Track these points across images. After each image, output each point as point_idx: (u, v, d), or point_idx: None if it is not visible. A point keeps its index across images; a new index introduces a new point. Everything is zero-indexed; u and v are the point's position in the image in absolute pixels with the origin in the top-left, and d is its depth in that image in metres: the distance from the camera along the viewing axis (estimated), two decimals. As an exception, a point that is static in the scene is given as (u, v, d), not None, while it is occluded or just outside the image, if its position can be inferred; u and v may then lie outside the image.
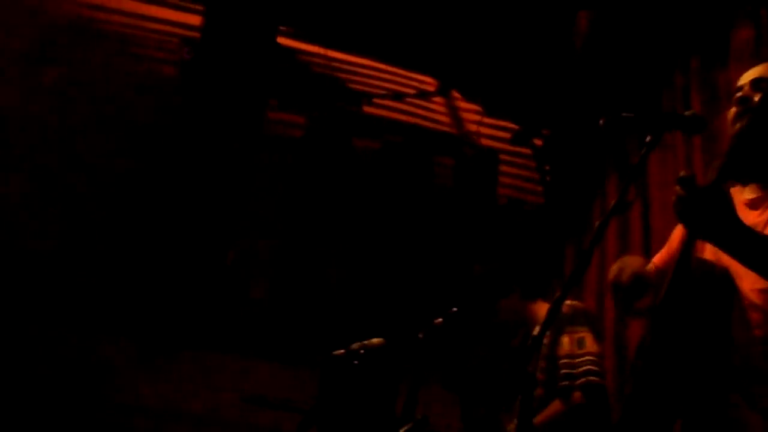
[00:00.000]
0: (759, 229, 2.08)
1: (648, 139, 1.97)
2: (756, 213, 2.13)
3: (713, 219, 1.82)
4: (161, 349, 4.42)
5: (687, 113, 2.15)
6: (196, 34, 5.16)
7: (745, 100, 2.17)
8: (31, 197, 4.64)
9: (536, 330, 3.38)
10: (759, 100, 2.08)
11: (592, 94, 4.68)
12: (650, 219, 4.01)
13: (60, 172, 4.77)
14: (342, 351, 2.76)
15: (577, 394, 3.13)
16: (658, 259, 2.39)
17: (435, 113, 5.70)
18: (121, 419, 4.20)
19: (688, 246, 1.99)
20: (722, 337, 1.99)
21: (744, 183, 2.21)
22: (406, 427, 2.90)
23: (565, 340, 3.22)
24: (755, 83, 2.20)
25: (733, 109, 2.20)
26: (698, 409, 1.98)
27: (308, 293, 5.01)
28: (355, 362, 2.69)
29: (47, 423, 4.03)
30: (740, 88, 2.23)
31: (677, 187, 1.86)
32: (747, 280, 2.01)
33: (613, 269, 2.26)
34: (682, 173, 1.87)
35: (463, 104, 5.71)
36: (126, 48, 5.15)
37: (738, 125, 2.16)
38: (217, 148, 4.97)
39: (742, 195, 2.20)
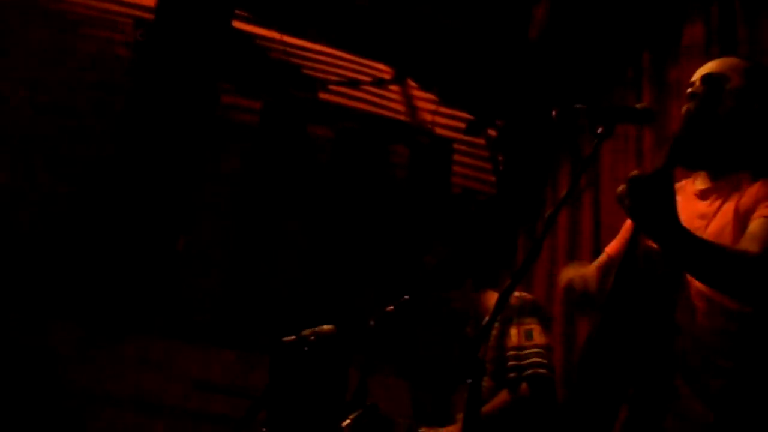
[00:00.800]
0: (708, 219, 2.10)
1: (600, 130, 1.99)
2: (705, 203, 2.15)
3: (655, 205, 1.83)
4: (110, 334, 4.37)
5: (638, 106, 2.18)
6: (150, 16, 5.08)
7: (695, 96, 2.20)
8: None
9: (486, 320, 3.40)
10: (703, 90, 2.11)
11: (545, 86, 4.72)
12: (601, 210, 4.07)
13: (2, 155, 4.67)
14: (293, 337, 2.76)
15: (524, 386, 3.16)
16: (610, 248, 2.42)
17: (390, 101, 5.69)
18: (71, 405, 4.15)
19: (634, 236, 2.02)
20: (666, 323, 2.02)
21: (692, 169, 2.23)
22: (355, 414, 2.91)
23: (513, 331, 3.26)
24: (706, 79, 2.22)
25: (685, 106, 2.23)
26: (644, 394, 2.02)
27: (260, 279, 4.99)
28: (306, 349, 2.70)
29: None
30: (692, 84, 2.25)
31: (625, 184, 1.87)
32: None
33: (563, 276, 2.29)
34: (634, 172, 1.88)
35: (418, 93, 5.71)
36: (76, 28, 5.05)
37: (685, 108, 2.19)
38: (169, 131, 4.91)
39: (693, 186, 2.23)
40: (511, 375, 3.19)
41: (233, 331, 4.67)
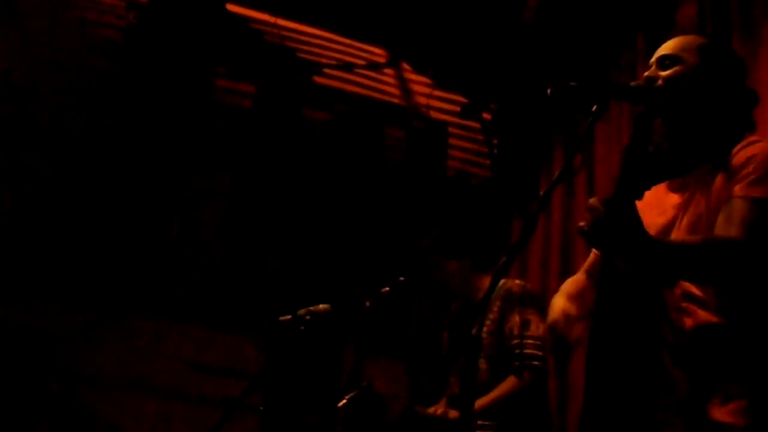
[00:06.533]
0: (682, 210, 2.08)
1: (594, 108, 1.98)
2: (677, 195, 2.14)
3: (618, 241, 1.80)
4: (106, 317, 4.38)
5: (632, 84, 2.17)
6: (143, -1, 5.08)
7: (651, 80, 2.14)
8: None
9: (478, 300, 3.43)
10: (633, 128, 2.03)
11: (540, 69, 4.72)
12: (595, 190, 4.07)
13: (-1, 137, 4.66)
14: (288, 317, 2.77)
15: (527, 374, 3.20)
16: (587, 264, 2.34)
17: (385, 85, 5.68)
18: (64, 387, 4.15)
19: (605, 265, 2.00)
20: (656, 326, 2.03)
21: (648, 188, 2.19)
22: (351, 394, 2.93)
23: (516, 320, 3.28)
24: (660, 61, 2.18)
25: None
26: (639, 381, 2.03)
27: (255, 262, 4.99)
28: (302, 328, 2.70)
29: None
30: (650, 66, 2.21)
31: (586, 214, 1.82)
32: None
33: (551, 309, 2.24)
34: (592, 200, 1.83)
35: (413, 76, 5.70)
36: (70, 11, 5.03)
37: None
38: (163, 115, 4.90)
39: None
40: (516, 364, 3.22)
41: (229, 313, 4.68)
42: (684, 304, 2.01)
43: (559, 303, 2.21)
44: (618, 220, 1.78)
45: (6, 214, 4.49)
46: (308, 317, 2.73)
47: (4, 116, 4.68)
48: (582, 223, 1.83)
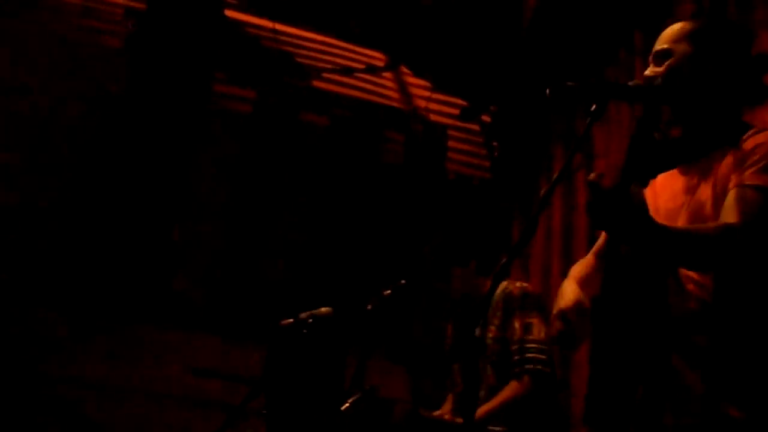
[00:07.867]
0: (691, 194, 2.09)
1: (593, 108, 1.97)
2: (687, 178, 2.13)
3: (622, 223, 1.77)
4: (106, 323, 4.38)
5: (630, 83, 2.17)
6: (142, 6, 5.08)
7: (649, 79, 2.10)
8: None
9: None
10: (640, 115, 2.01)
11: (538, 71, 4.72)
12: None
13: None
14: (290, 320, 2.76)
15: (526, 379, 3.17)
16: (597, 246, 2.33)
17: (384, 89, 5.69)
18: (66, 393, 4.15)
19: (611, 246, 1.99)
20: (660, 308, 2.02)
21: (654, 177, 2.19)
22: (354, 398, 2.92)
23: (516, 324, 3.26)
24: (655, 57, 2.14)
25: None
26: (651, 373, 2.02)
27: (256, 267, 4.99)
28: (304, 331, 2.69)
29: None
30: (649, 64, 2.21)
31: (588, 192, 1.81)
32: None
33: (562, 300, 2.20)
34: (591, 176, 1.80)
35: (412, 80, 5.71)
36: (69, 18, 5.04)
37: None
38: (163, 121, 4.91)
39: None
40: (516, 370, 3.20)
41: (230, 318, 4.68)
42: (689, 287, 2.01)
43: (570, 289, 2.15)
44: (621, 202, 1.78)
45: (5, 220, 4.49)
46: (310, 320, 2.72)
47: (3, 121, 4.69)
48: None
